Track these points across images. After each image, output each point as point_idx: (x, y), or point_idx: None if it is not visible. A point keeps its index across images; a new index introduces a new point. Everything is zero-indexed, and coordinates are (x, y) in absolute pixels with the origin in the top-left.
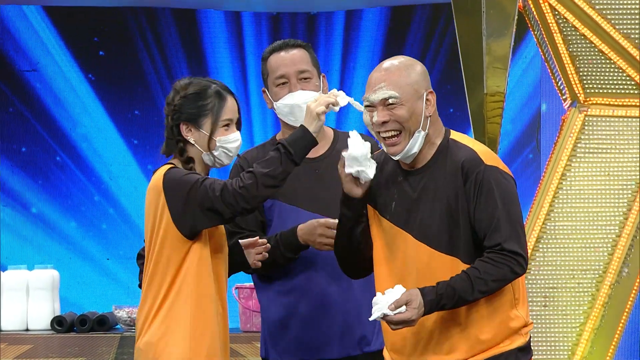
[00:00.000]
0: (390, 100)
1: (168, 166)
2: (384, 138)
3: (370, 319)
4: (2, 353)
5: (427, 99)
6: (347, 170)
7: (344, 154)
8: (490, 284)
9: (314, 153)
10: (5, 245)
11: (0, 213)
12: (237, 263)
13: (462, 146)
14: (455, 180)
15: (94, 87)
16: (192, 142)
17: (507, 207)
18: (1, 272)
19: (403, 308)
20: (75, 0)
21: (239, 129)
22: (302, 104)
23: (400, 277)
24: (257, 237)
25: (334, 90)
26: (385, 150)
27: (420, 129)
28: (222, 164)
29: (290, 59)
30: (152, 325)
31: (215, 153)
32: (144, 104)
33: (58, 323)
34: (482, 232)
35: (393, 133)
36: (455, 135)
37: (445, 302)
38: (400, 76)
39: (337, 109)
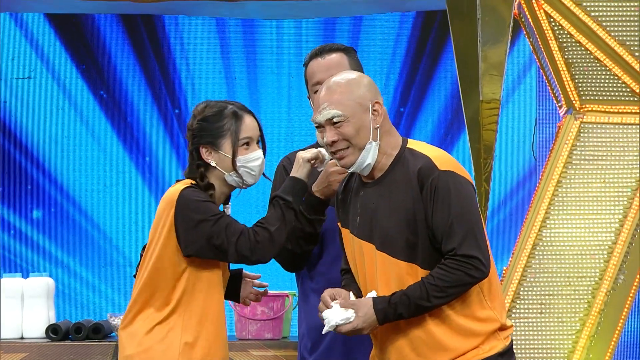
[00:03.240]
0: (334, 120)
1: (188, 183)
2: (333, 153)
3: (324, 331)
4: None
5: (374, 110)
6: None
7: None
8: (446, 290)
9: None
10: (0, 253)
11: None
12: (231, 289)
13: (417, 154)
14: (411, 188)
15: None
16: (214, 165)
17: (461, 211)
18: None
19: (352, 316)
20: (73, 8)
21: (263, 147)
22: None
23: (370, 285)
24: (260, 275)
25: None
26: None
27: (370, 140)
28: (247, 184)
29: (326, 64)
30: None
31: (239, 173)
32: (142, 111)
33: (53, 331)
34: (439, 237)
35: (342, 148)
36: (412, 144)
37: (402, 310)
38: (342, 94)
39: (321, 168)
